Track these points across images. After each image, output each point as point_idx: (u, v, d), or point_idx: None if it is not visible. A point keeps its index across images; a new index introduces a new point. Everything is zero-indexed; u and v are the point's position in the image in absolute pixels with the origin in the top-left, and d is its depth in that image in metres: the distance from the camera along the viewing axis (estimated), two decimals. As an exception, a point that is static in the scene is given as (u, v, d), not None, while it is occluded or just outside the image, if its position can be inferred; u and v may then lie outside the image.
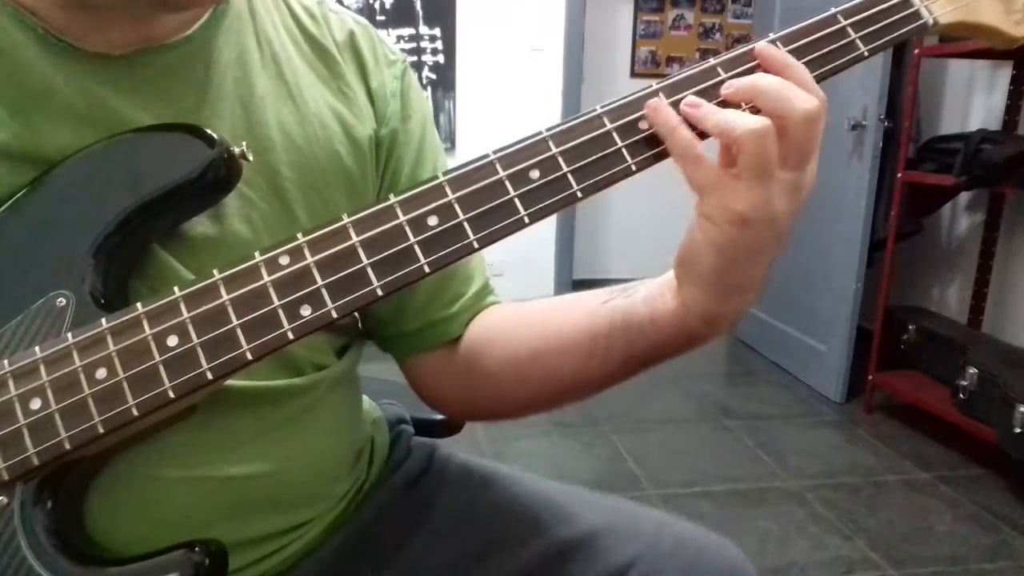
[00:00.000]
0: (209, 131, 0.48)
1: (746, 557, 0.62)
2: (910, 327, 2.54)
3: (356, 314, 0.66)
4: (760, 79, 0.46)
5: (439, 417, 0.84)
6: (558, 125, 0.47)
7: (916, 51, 2.35)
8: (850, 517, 1.92)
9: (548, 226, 3.22)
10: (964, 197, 2.68)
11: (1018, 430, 1.94)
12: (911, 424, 2.46)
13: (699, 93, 0.47)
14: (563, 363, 0.58)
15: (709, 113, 0.46)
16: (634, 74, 4.01)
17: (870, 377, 2.55)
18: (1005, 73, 2.50)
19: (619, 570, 0.59)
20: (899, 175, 2.42)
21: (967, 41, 2.17)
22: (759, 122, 0.44)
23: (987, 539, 1.84)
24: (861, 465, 2.22)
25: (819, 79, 0.47)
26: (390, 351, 0.67)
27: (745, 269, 0.48)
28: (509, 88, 3.16)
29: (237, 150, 0.48)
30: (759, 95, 0.46)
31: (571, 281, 3.40)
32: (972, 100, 2.71)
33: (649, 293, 0.54)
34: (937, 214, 2.78)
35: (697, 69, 0.48)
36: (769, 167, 0.44)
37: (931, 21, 0.50)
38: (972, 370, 2.16)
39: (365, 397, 0.71)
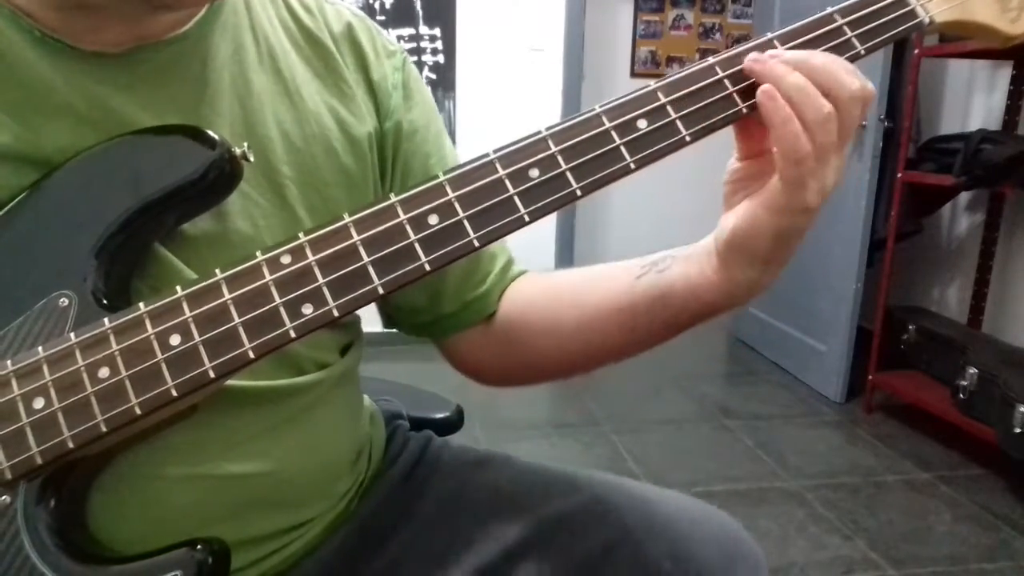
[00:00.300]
0: (210, 132, 0.48)
1: (742, 526, 0.63)
2: (910, 327, 2.54)
3: (386, 311, 0.68)
4: (812, 54, 0.47)
5: (436, 416, 0.85)
6: (557, 124, 0.47)
7: (916, 51, 2.35)
8: (850, 517, 1.92)
9: (548, 225, 3.22)
10: (964, 197, 2.68)
11: (1018, 430, 1.94)
12: (911, 424, 2.45)
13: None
14: (603, 337, 0.60)
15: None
16: (634, 74, 4.00)
17: (870, 377, 2.55)
18: (1005, 73, 2.50)
19: (610, 543, 0.60)
20: (899, 175, 2.41)
21: (967, 41, 2.17)
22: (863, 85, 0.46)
23: (987, 539, 1.83)
24: (861, 465, 2.21)
25: None
26: (426, 335, 0.69)
27: (794, 245, 0.50)
28: (509, 88, 3.16)
29: (238, 151, 0.48)
30: (810, 69, 0.46)
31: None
32: (972, 100, 2.71)
33: (686, 269, 0.54)
34: (937, 214, 2.78)
35: (697, 67, 0.48)
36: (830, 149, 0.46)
37: (927, 20, 0.50)
38: (972, 370, 2.16)
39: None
